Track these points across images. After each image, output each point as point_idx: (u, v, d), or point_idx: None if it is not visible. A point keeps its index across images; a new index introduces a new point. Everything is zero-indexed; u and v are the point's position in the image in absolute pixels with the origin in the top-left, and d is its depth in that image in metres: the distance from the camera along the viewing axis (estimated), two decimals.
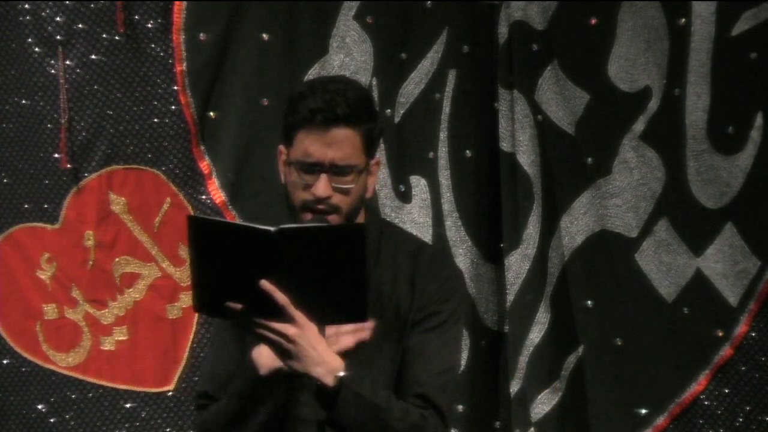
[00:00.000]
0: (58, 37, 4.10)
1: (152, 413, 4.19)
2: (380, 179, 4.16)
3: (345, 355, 2.68)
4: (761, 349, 4.26)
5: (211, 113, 4.15)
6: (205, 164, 4.17)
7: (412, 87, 4.23)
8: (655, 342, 4.26)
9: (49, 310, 4.19)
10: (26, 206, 4.18)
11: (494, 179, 4.25)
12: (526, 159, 4.20)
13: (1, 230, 4.19)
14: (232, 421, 2.77)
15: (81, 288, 4.18)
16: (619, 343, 4.27)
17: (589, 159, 4.27)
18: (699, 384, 4.27)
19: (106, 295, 4.18)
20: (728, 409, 4.27)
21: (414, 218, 4.24)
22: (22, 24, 4.10)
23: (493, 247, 4.28)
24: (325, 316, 2.64)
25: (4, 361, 4.20)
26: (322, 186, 2.75)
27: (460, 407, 4.23)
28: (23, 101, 4.14)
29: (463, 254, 4.24)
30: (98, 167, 4.16)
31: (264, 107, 4.14)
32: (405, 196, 4.25)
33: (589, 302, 4.27)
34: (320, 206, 2.76)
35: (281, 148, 2.83)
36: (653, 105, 4.25)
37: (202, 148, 4.16)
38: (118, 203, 4.17)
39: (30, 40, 4.11)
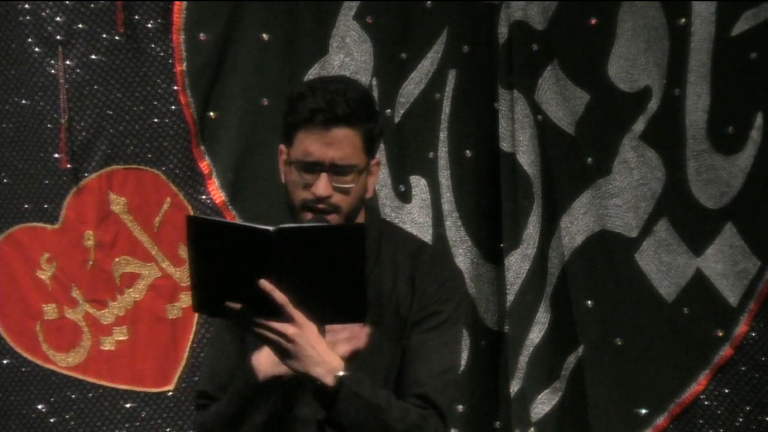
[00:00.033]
0: (58, 37, 4.10)
1: (152, 413, 4.19)
2: (380, 179, 4.16)
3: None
4: (761, 349, 4.26)
5: (211, 113, 4.15)
6: (205, 164, 4.17)
7: (412, 87, 4.23)
8: (655, 342, 4.26)
9: (49, 310, 4.19)
10: (26, 206, 4.18)
11: (494, 179, 4.25)
12: (526, 159, 4.20)
13: (1, 230, 4.19)
14: (232, 421, 2.77)
15: (81, 288, 4.18)
16: (619, 343, 4.27)
17: (589, 159, 4.27)
18: (699, 384, 4.27)
19: (106, 295, 4.18)
20: (728, 409, 4.27)
21: (414, 218, 4.24)
22: (22, 24, 4.10)
23: (493, 247, 4.28)
24: (324, 315, 2.63)
25: (4, 361, 4.20)
26: (322, 185, 2.75)
27: (460, 407, 4.23)
28: (23, 101, 4.14)
29: (463, 254, 4.24)
30: (98, 167, 4.16)
31: (264, 107, 4.14)
32: (405, 196, 4.25)
33: (589, 302, 4.27)
34: (320, 206, 2.76)
35: (282, 147, 2.84)
36: (653, 105, 4.25)
37: (202, 148, 4.16)
38: (118, 203, 4.17)
39: (30, 40, 4.11)
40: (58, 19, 4.10)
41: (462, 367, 4.14)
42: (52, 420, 4.18)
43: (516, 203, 4.21)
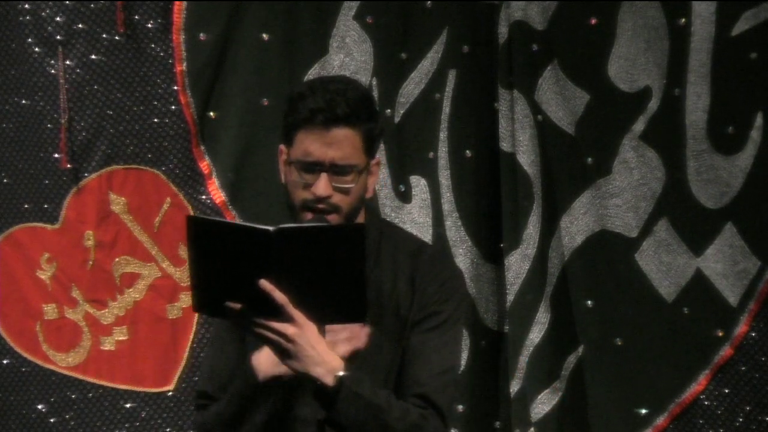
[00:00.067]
0: (58, 37, 4.10)
1: (152, 413, 4.19)
2: (380, 179, 4.16)
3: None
4: (761, 349, 4.26)
5: (211, 113, 4.15)
6: (205, 164, 4.17)
7: (412, 87, 4.23)
8: (655, 342, 4.26)
9: (49, 310, 4.19)
10: (26, 206, 4.18)
11: (494, 179, 4.25)
12: (526, 159, 4.20)
13: (1, 230, 4.19)
14: (232, 421, 2.77)
15: (81, 288, 4.18)
16: (619, 343, 4.27)
17: (589, 159, 4.27)
18: (699, 384, 4.27)
19: (106, 295, 4.18)
20: (728, 409, 4.27)
21: (414, 218, 4.24)
22: (22, 24, 4.10)
23: (493, 247, 4.28)
24: (324, 315, 2.63)
25: (4, 361, 4.19)
26: (322, 185, 2.75)
27: (460, 407, 4.22)
28: (23, 101, 4.14)
29: (463, 254, 4.24)
30: (98, 167, 4.16)
31: (264, 107, 4.14)
32: (405, 196, 4.25)
33: (589, 302, 4.27)
34: (320, 205, 2.76)
35: (282, 147, 2.84)
36: (653, 105, 4.25)
37: (202, 148, 4.16)
38: (118, 203, 4.17)
39: (30, 40, 4.11)
40: (58, 19, 4.10)
41: (462, 367, 4.14)
42: (52, 420, 4.18)
43: (516, 203, 4.21)
